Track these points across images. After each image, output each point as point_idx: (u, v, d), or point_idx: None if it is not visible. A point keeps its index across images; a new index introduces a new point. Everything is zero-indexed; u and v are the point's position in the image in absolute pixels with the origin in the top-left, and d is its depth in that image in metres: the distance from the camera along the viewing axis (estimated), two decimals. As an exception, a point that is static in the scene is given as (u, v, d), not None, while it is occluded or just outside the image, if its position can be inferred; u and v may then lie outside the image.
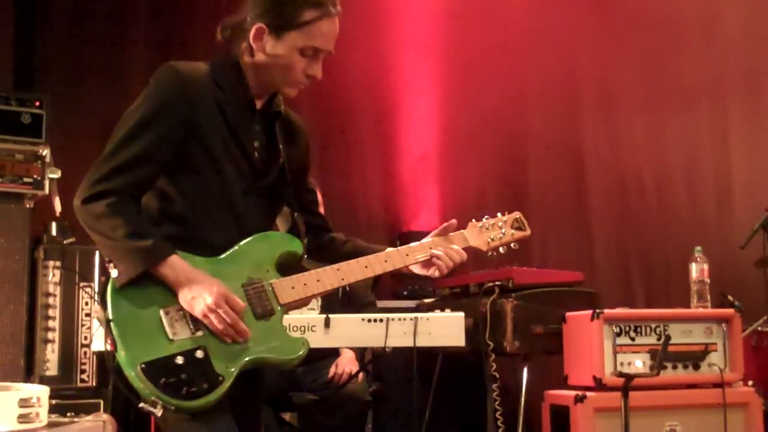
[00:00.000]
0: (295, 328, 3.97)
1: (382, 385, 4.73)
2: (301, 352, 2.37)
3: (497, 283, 4.36)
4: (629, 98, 6.17)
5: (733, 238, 5.75)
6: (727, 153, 6.11)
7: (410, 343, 3.96)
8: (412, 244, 2.63)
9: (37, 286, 4.26)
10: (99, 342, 4.18)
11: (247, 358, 2.27)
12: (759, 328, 4.64)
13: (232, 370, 2.22)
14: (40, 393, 1.66)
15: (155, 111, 2.32)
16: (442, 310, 4.12)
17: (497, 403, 4.26)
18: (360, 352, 4.58)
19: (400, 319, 3.96)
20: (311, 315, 4.34)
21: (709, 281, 4.23)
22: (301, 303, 2.51)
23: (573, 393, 3.87)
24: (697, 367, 3.99)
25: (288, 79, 2.48)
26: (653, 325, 3.99)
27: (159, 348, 2.16)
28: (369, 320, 3.99)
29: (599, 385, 3.85)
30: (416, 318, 3.97)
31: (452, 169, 6.19)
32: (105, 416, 1.75)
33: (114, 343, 2.10)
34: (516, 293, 4.27)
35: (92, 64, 5.72)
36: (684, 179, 6.12)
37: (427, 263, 2.61)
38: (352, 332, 4.00)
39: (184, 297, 2.24)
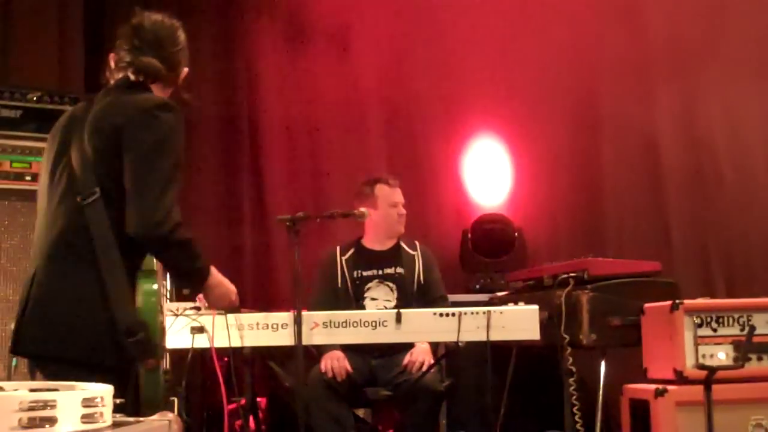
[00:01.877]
0: (366, 323, 3.93)
1: (456, 380, 4.66)
2: None
3: (572, 274, 4.24)
4: (705, 76, 5.95)
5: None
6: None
7: (483, 338, 3.90)
8: None
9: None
10: (175, 338, 4.17)
11: None
12: None
13: None
14: (103, 392, 1.63)
15: (180, 152, 2.55)
16: (516, 303, 4.05)
17: (574, 397, 4.14)
18: (433, 347, 4.53)
19: (472, 313, 3.90)
20: (384, 310, 4.31)
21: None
22: None
23: (653, 387, 3.76)
24: (783, 359, 3.83)
25: None
26: (736, 316, 3.84)
27: None
28: (441, 314, 3.94)
29: (680, 379, 3.73)
30: (489, 312, 3.90)
31: (522, 157, 6.08)
32: (171, 415, 1.72)
33: None
34: (591, 285, 4.15)
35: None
36: (764, 161, 5.90)
37: None
38: (425, 327, 3.95)
39: (219, 290, 2.78)
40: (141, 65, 2.63)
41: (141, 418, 1.70)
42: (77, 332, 2.41)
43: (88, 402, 1.58)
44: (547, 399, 4.99)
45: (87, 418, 1.57)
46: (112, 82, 2.68)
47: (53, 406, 1.53)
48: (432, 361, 4.32)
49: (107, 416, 1.63)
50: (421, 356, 4.33)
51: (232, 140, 6.05)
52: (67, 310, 2.42)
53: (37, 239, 2.57)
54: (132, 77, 2.64)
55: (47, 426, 1.52)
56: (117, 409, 1.69)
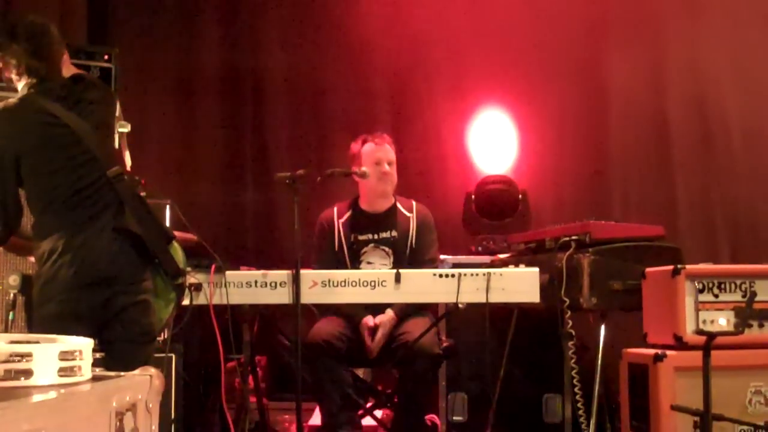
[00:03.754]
0: (365, 283, 3.91)
1: (456, 342, 4.64)
2: None
3: (574, 237, 4.19)
4: (714, 40, 5.87)
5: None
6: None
7: (483, 299, 3.88)
8: None
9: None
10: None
11: None
12: None
13: None
14: (82, 346, 1.61)
15: None
16: (516, 265, 4.02)
17: (573, 360, 4.12)
18: (433, 308, 4.52)
19: (472, 275, 3.87)
20: (383, 270, 4.29)
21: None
22: None
23: (652, 351, 3.72)
24: (785, 326, 3.78)
25: None
26: (738, 282, 3.78)
27: None
28: (441, 275, 3.92)
29: (680, 344, 3.69)
30: (489, 273, 3.88)
31: (528, 120, 6.02)
32: (152, 370, 1.70)
33: None
34: (593, 248, 4.10)
35: (164, 18, 5.70)
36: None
37: None
38: (424, 287, 3.93)
39: None
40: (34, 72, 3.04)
41: (122, 373, 1.68)
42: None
43: (65, 355, 1.56)
44: (547, 362, 4.97)
45: (64, 372, 1.55)
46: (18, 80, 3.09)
47: (29, 359, 1.51)
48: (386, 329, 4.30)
49: (86, 370, 1.60)
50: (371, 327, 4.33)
51: (236, 99, 6.02)
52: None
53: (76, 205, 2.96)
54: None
55: (23, 378, 1.50)
56: (97, 363, 1.67)
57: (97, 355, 1.68)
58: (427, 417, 4.78)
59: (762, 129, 5.83)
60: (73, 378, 1.56)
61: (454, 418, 5.05)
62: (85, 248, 2.91)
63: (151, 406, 1.66)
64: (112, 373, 1.69)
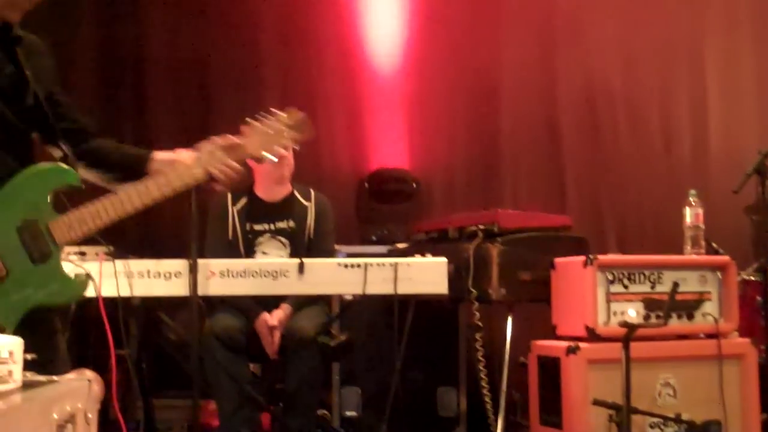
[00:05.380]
0: (266, 274, 3.68)
1: (351, 334, 4.46)
2: (80, 291, 2.43)
3: (481, 226, 4.08)
4: (603, 32, 5.92)
5: (711, 182, 5.59)
6: (704, 93, 5.93)
7: (389, 290, 3.70)
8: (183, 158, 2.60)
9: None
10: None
11: (28, 307, 2.24)
12: (745, 277, 4.47)
13: (13, 319, 2.19)
14: (12, 346, 1.34)
15: None
16: (423, 255, 3.86)
17: (480, 354, 4.00)
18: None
19: (378, 265, 3.69)
20: (286, 259, 4.07)
21: (704, 227, 3.99)
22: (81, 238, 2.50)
23: (564, 344, 3.64)
24: (691, 317, 3.78)
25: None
26: (647, 273, 3.76)
27: None
28: (346, 266, 3.72)
29: (592, 336, 3.63)
30: (396, 264, 3.70)
31: (420, 107, 5.90)
32: (90, 374, 1.44)
33: None
34: (502, 237, 4.00)
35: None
36: (659, 123, 5.92)
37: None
38: (328, 278, 3.72)
39: None
40: None
41: (55, 377, 1.42)
42: None
43: (-4, 359, 1.29)
44: (441, 355, 4.86)
45: (-4, 379, 1.28)
46: None
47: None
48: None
49: (17, 374, 1.34)
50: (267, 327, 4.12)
51: (115, 78, 5.69)
52: None
53: None
54: None
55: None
56: (27, 366, 1.40)
57: (28, 357, 1.41)
58: (318, 413, 4.58)
59: (646, 123, 5.91)
60: (3, 385, 1.30)
61: (347, 413, 4.89)
62: None
63: (90, 416, 1.41)
64: (43, 378, 1.42)
